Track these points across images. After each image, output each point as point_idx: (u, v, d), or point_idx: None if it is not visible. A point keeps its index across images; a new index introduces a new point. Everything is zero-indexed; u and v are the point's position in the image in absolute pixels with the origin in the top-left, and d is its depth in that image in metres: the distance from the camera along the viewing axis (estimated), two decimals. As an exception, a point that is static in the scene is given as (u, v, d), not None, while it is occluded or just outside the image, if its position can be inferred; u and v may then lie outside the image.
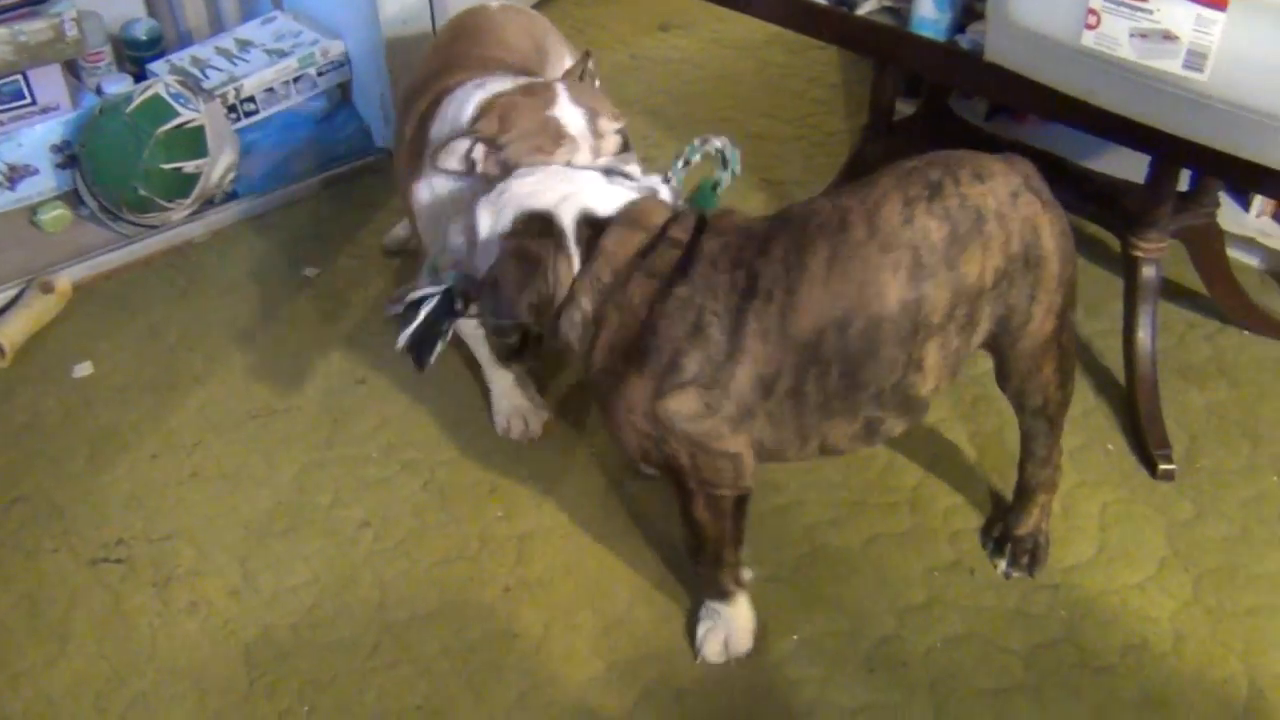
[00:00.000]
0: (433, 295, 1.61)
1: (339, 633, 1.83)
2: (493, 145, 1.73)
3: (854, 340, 1.49)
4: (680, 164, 1.75)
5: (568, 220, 1.54)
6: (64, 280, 2.47)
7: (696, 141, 1.78)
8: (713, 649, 1.77)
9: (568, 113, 1.72)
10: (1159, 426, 2.05)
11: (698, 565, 1.74)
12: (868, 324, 1.48)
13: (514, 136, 1.71)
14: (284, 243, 2.65)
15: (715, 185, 1.81)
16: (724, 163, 1.76)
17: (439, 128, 1.85)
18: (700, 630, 1.78)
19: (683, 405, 1.53)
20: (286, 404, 2.23)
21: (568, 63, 2.17)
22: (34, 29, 2.51)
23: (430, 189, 1.88)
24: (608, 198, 1.56)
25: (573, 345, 1.59)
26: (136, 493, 2.06)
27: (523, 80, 1.83)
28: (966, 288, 1.50)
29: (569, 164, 1.67)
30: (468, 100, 1.79)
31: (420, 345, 1.62)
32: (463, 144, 1.74)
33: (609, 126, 1.75)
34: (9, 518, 2.02)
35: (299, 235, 2.67)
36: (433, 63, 2.06)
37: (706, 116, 3.09)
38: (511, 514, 2.01)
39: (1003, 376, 1.70)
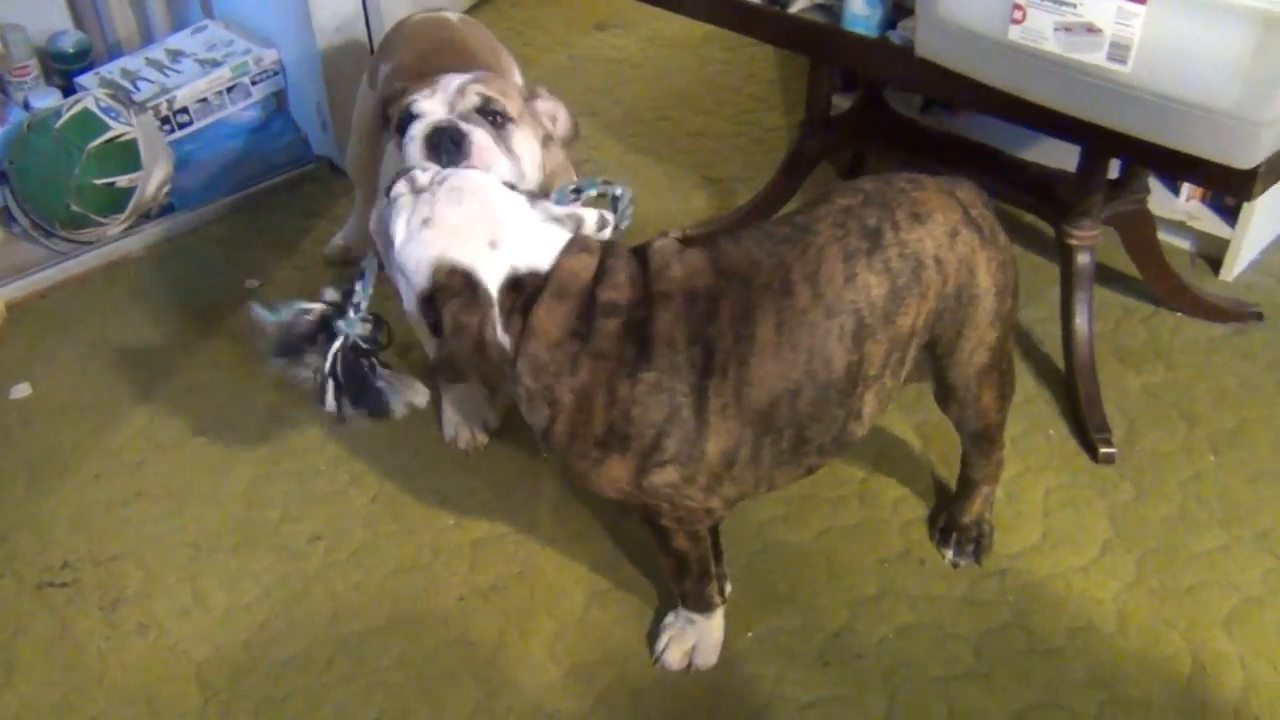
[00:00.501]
0: (327, 344, 1.60)
1: (292, 648, 1.82)
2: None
3: (803, 407, 1.48)
4: (570, 191, 1.68)
5: (493, 285, 1.45)
6: (-2, 300, 2.43)
7: (600, 180, 1.70)
8: (675, 656, 1.77)
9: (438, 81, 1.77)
10: (1098, 411, 2.09)
11: (682, 585, 1.72)
12: (816, 391, 1.47)
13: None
14: (224, 255, 2.62)
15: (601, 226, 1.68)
16: (614, 208, 1.65)
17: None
18: (664, 637, 1.78)
19: (665, 477, 1.51)
20: (231, 419, 2.20)
21: (515, 77, 2.15)
22: (-43, 45, 2.46)
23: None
24: (533, 249, 1.47)
25: (524, 415, 1.54)
26: (81, 514, 2.03)
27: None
28: (901, 337, 1.51)
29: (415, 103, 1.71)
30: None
31: (359, 398, 1.62)
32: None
33: (473, 88, 1.76)
34: (-51, 545, 1.98)
35: (239, 247, 2.64)
36: (412, 73, 1.96)
37: (646, 115, 3.10)
38: (463, 522, 2.00)
39: (941, 400, 1.71)
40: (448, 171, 1.55)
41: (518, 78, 2.15)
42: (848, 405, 1.52)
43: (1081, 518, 1.97)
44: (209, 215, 2.71)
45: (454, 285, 1.44)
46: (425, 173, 1.53)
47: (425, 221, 1.47)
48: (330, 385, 1.61)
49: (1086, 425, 2.08)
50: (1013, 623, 1.81)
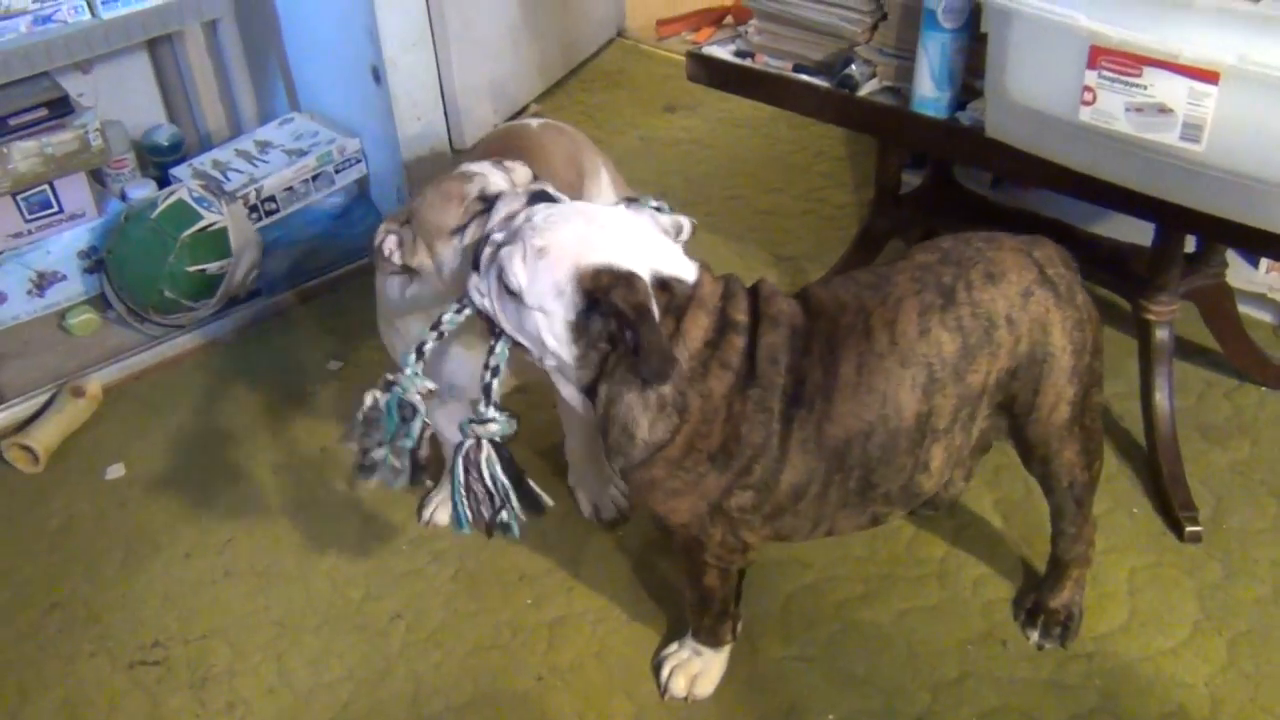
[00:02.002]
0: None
1: (375, 728, 1.84)
2: (403, 223, 1.70)
3: (873, 450, 1.53)
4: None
5: (646, 276, 1.46)
6: (94, 384, 2.52)
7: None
8: (680, 684, 1.83)
9: (472, 164, 1.71)
10: (1183, 488, 2.06)
11: (701, 620, 1.79)
12: (887, 436, 1.52)
13: (421, 203, 1.69)
14: (307, 337, 2.70)
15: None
16: None
17: None
18: (668, 665, 1.85)
19: (742, 501, 1.56)
20: (316, 498, 2.26)
21: (604, 176, 2.17)
22: (60, 140, 2.58)
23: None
24: (663, 255, 1.50)
25: (628, 428, 1.52)
26: (171, 593, 2.09)
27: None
28: (971, 394, 1.54)
29: (485, 185, 1.64)
30: None
31: (523, 500, 1.60)
32: (377, 235, 1.72)
33: (513, 162, 1.72)
34: (47, 623, 2.04)
35: (322, 329, 2.72)
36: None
37: (717, 194, 3.15)
38: (541, 601, 2.02)
39: (1024, 459, 1.72)
40: (528, 212, 1.53)
41: (605, 177, 2.17)
42: (916, 455, 1.55)
43: (1169, 598, 1.93)
44: (294, 299, 2.80)
45: (606, 282, 1.44)
46: (500, 232, 1.54)
47: (540, 251, 1.46)
48: (482, 492, 1.59)
49: (1171, 503, 2.05)
50: (1101, 707, 1.77)
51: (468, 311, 1.57)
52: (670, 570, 2.04)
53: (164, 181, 2.89)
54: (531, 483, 1.59)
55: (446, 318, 1.58)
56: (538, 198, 1.60)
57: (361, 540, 2.16)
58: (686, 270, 1.51)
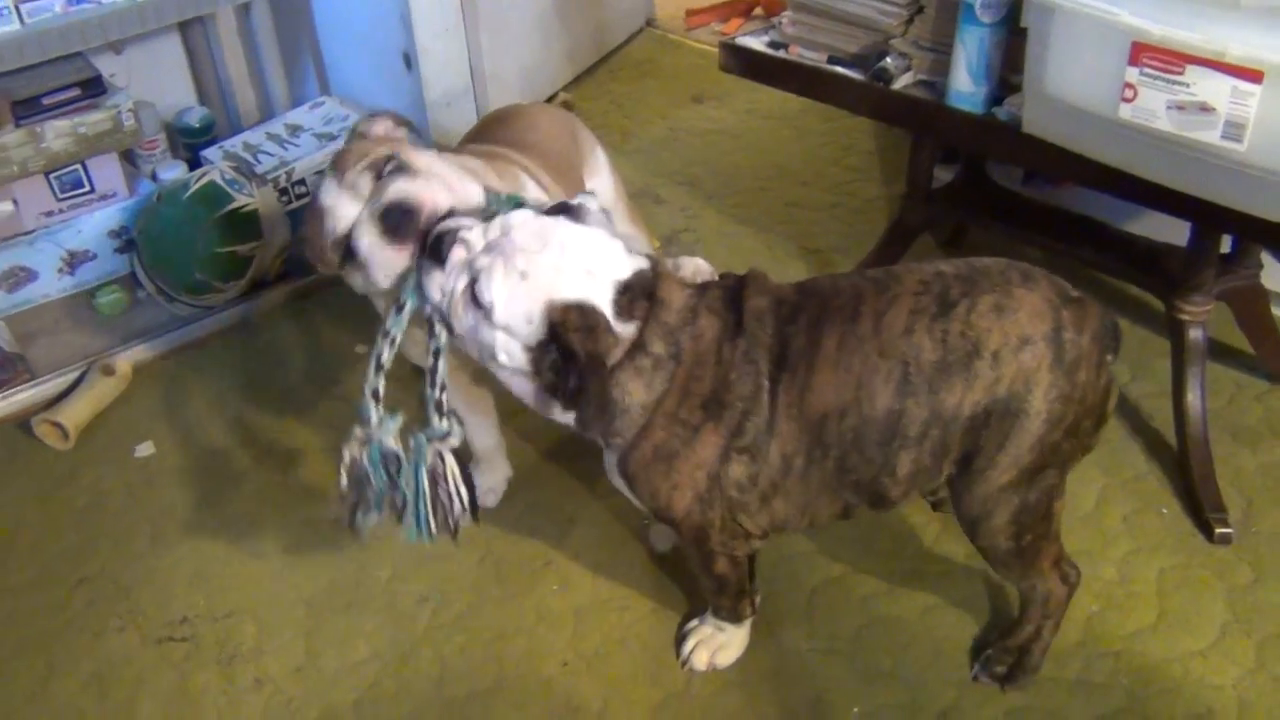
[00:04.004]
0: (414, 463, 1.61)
1: (400, 709, 1.85)
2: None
3: (846, 432, 1.54)
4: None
5: (606, 303, 1.51)
6: (124, 362, 2.54)
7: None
8: (703, 658, 1.86)
9: (324, 192, 1.72)
10: (1213, 489, 2.05)
11: (719, 600, 1.81)
12: (858, 420, 1.52)
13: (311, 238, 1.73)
14: (335, 320, 2.71)
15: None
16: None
17: None
18: (691, 640, 1.88)
19: (737, 472, 1.57)
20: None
21: (600, 156, 2.22)
22: (93, 120, 2.60)
23: None
24: (621, 260, 1.55)
25: (625, 403, 1.54)
26: (199, 571, 2.10)
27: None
28: (942, 414, 1.51)
29: (335, 228, 1.67)
30: None
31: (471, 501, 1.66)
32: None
33: (353, 175, 1.68)
34: (75, 598, 2.06)
35: (350, 313, 2.72)
36: (465, 149, 2.05)
37: (745, 186, 3.14)
38: (567, 587, 2.03)
39: (955, 505, 1.65)
40: (506, 221, 1.54)
41: (601, 159, 2.22)
42: (885, 453, 1.54)
43: (1198, 600, 1.92)
44: (323, 282, 2.81)
45: (572, 321, 1.48)
46: (473, 229, 1.55)
47: (523, 275, 1.49)
48: (449, 499, 1.65)
49: (1201, 504, 2.03)
50: (1127, 708, 1.77)
51: (395, 334, 1.61)
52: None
53: (194, 163, 2.90)
54: (465, 493, 1.66)
55: (384, 357, 1.62)
56: (388, 214, 1.61)
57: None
58: (641, 262, 1.56)
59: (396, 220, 1.62)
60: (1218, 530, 2.00)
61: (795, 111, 3.43)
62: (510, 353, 1.54)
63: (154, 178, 2.84)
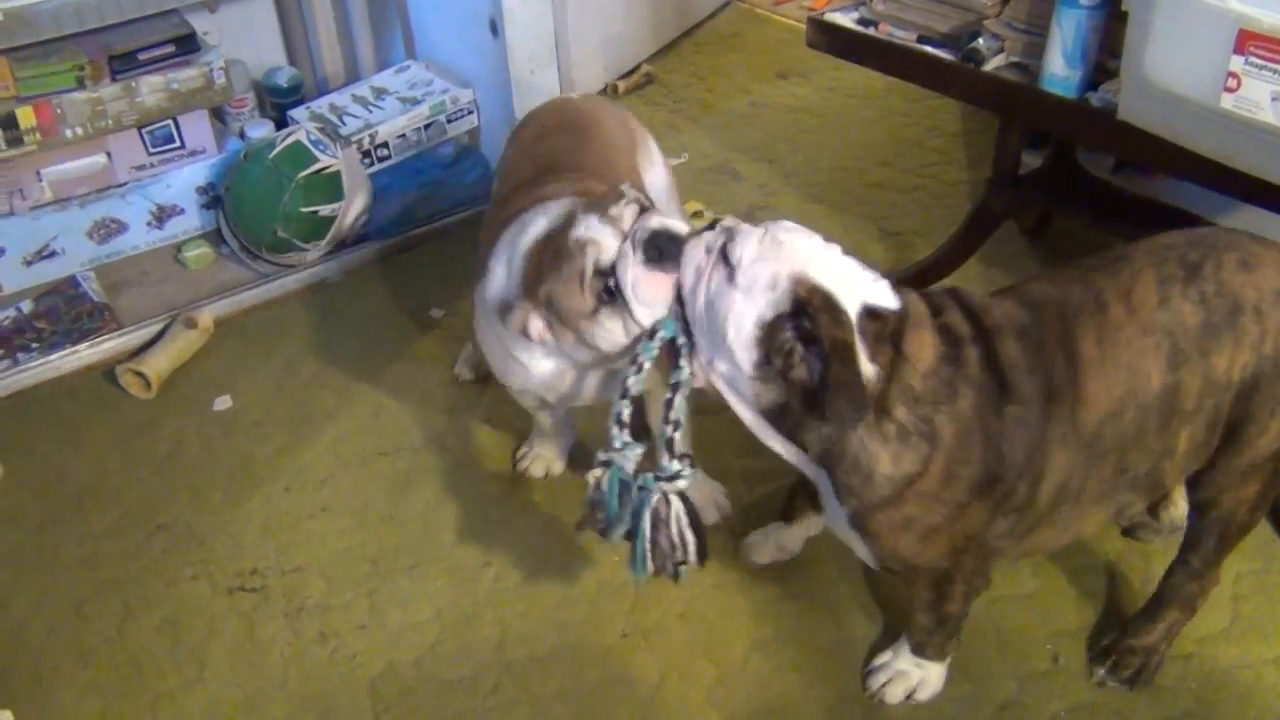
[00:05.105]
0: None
1: (460, 670, 1.87)
2: (539, 307, 1.62)
3: (1126, 428, 1.46)
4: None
5: (853, 312, 1.39)
6: (206, 316, 2.59)
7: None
8: (898, 693, 1.76)
9: (580, 225, 1.59)
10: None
11: (931, 638, 1.71)
12: (1136, 411, 1.45)
13: (550, 282, 1.60)
14: (412, 284, 2.74)
15: None
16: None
17: (499, 252, 1.77)
18: (883, 675, 1.77)
19: (1002, 527, 1.50)
20: (413, 442, 2.30)
21: (653, 148, 2.14)
22: (185, 77, 2.65)
23: (483, 296, 1.80)
24: (870, 287, 1.42)
25: (866, 467, 1.44)
26: (270, 524, 2.14)
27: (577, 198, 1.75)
28: (1215, 379, 1.45)
29: (598, 259, 1.55)
30: (526, 233, 1.71)
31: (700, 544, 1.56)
32: (517, 319, 1.64)
33: (618, 209, 1.58)
34: (152, 544, 2.11)
35: (426, 277, 2.76)
36: (528, 160, 1.99)
37: (825, 164, 3.11)
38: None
39: (1199, 478, 1.59)
40: (765, 225, 1.48)
41: (654, 151, 2.15)
42: (1164, 437, 1.47)
43: (1275, 607, 1.87)
44: (400, 245, 2.84)
45: (817, 302, 1.37)
46: (740, 231, 1.46)
47: (778, 243, 1.42)
48: (669, 546, 1.56)
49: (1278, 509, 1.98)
50: (1194, 712, 1.73)
51: (644, 360, 1.52)
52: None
53: (281, 122, 2.94)
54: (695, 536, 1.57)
55: (631, 382, 1.54)
56: (653, 240, 1.53)
57: (456, 486, 2.20)
58: (890, 299, 1.43)
59: (662, 246, 1.53)
60: (1299, 537, 1.94)
61: (880, 90, 3.38)
62: (741, 330, 1.41)
63: (242, 136, 2.89)
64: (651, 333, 1.53)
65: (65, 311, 2.61)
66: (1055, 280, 1.53)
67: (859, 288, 1.41)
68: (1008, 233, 2.66)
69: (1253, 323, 1.44)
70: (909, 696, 1.76)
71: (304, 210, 2.62)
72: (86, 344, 2.54)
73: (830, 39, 2.35)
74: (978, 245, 2.54)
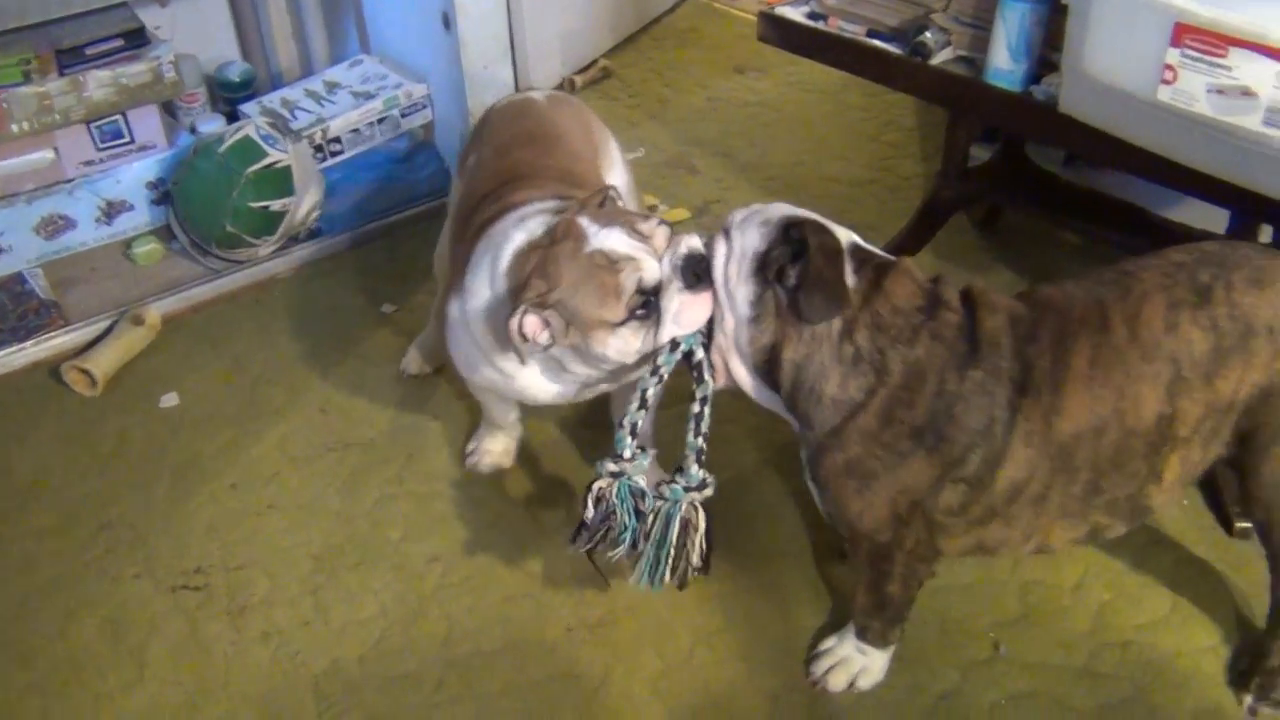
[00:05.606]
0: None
1: (405, 666, 1.86)
2: (545, 306, 1.59)
3: (1105, 450, 1.46)
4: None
5: (843, 238, 1.52)
6: (154, 313, 2.57)
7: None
8: (839, 680, 1.76)
9: (606, 239, 1.58)
10: (1235, 484, 2.00)
11: (872, 621, 1.72)
12: (1121, 435, 1.45)
13: (567, 289, 1.58)
14: (364, 280, 2.72)
15: None
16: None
17: (479, 256, 1.74)
18: (826, 661, 1.78)
19: (950, 499, 1.51)
20: (362, 438, 2.28)
21: (614, 149, 2.14)
22: (134, 72, 2.62)
23: (461, 307, 1.77)
24: (864, 242, 1.57)
25: (819, 388, 1.50)
26: (215, 522, 2.13)
27: (550, 206, 1.75)
28: (1219, 402, 1.45)
29: (641, 277, 1.56)
30: (505, 245, 1.69)
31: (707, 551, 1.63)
32: (514, 325, 1.59)
33: (648, 226, 1.61)
34: (95, 543, 2.09)
35: (378, 273, 2.74)
36: (493, 168, 1.95)
37: (781, 159, 3.11)
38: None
39: (1245, 499, 1.59)
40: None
41: (615, 152, 2.14)
42: (1151, 462, 1.47)
43: (1214, 594, 1.88)
44: (352, 241, 2.83)
45: (808, 224, 1.50)
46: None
47: (764, 207, 1.57)
48: (691, 551, 1.62)
49: (1222, 497, 1.99)
50: (1134, 698, 1.74)
51: (665, 371, 1.58)
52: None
53: (234, 117, 2.92)
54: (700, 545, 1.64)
55: (651, 392, 1.59)
56: (689, 264, 1.57)
57: (404, 482, 2.19)
58: (890, 257, 1.54)
59: (698, 270, 1.57)
60: (1238, 524, 1.96)
61: (837, 86, 3.38)
62: (741, 271, 1.52)
63: (193, 131, 2.86)
64: (673, 345, 1.58)
65: (12, 309, 2.58)
66: (1064, 288, 1.53)
67: (849, 234, 1.55)
68: (961, 225, 2.67)
69: (1265, 343, 1.43)
70: (851, 684, 1.76)
71: (254, 205, 2.60)
72: (33, 341, 2.52)
73: (781, 33, 2.35)
74: (929, 237, 2.56)
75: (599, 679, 1.83)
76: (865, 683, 1.76)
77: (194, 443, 2.30)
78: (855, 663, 1.76)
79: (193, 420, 2.35)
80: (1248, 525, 1.95)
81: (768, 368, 1.55)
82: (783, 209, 1.56)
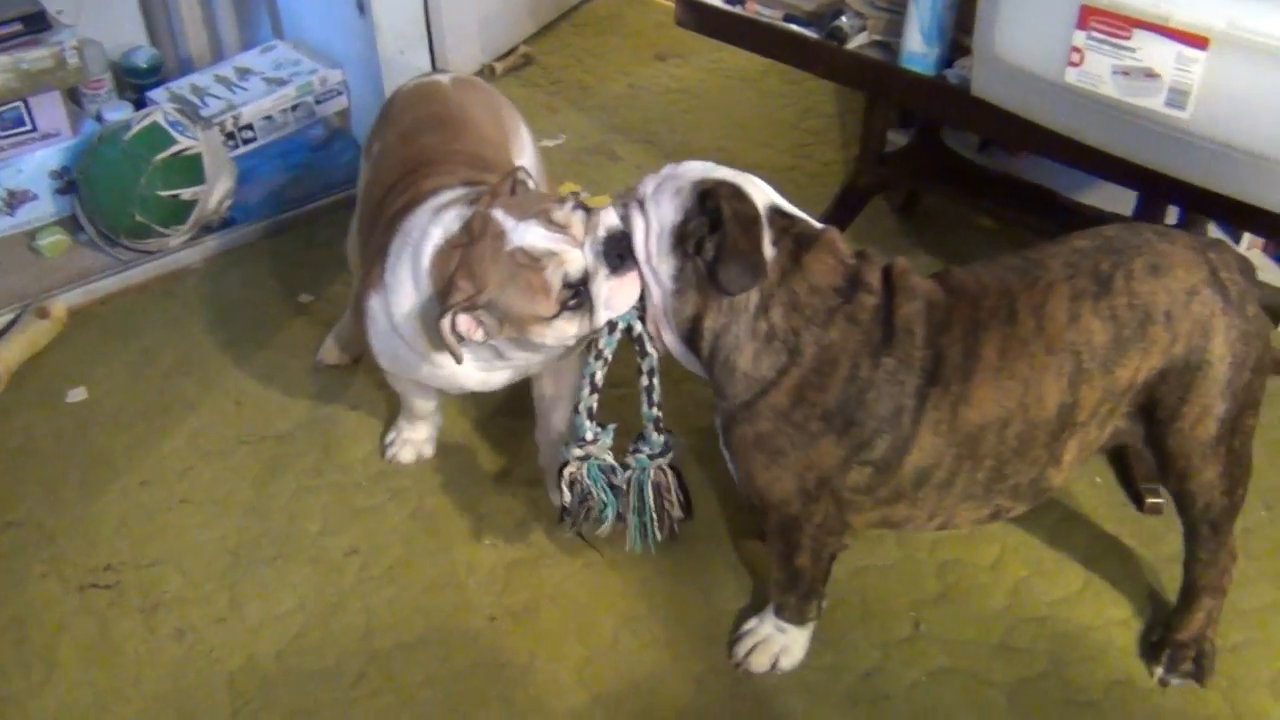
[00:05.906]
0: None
1: (324, 661, 1.83)
2: (475, 307, 1.57)
3: (1009, 439, 1.48)
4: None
5: (760, 203, 1.50)
6: (60, 305, 2.49)
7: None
8: (762, 660, 1.77)
9: (525, 236, 1.55)
10: (1146, 460, 2.03)
11: (787, 597, 1.73)
12: (1025, 425, 1.47)
13: (495, 290, 1.56)
14: (279, 269, 2.67)
15: None
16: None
17: (396, 252, 1.70)
18: (748, 642, 1.79)
19: (858, 479, 1.52)
20: (277, 430, 2.24)
21: (523, 132, 2.11)
22: (35, 57, 2.53)
23: (384, 304, 1.73)
24: (785, 202, 1.55)
25: (733, 360, 1.51)
26: (126, 519, 2.07)
27: (461, 195, 1.71)
28: (1117, 388, 1.48)
29: (566, 272, 1.54)
30: (424, 243, 1.65)
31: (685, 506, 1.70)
32: (445, 326, 1.57)
33: (563, 214, 1.57)
34: (1, 542, 2.02)
35: (294, 262, 2.69)
36: (399, 155, 1.91)
37: (703, 145, 3.11)
38: (498, 543, 2.01)
39: (1160, 471, 1.62)
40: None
41: (525, 134, 2.12)
42: (1052, 449, 1.50)
43: (1126, 568, 1.92)
44: (267, 230, 2.76)
45: (722, 190, 1.47)
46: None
47: (674, 170, 1.55)
48: (670, 507, 1.68)
49: (1133, 474, 2.04)
50: (1049, 672, 1.77)
51: (608, 353, 1.59)
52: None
53: (141, 104, 2.84)
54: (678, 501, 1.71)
55: (599, 375, 1.61)
56: (611, 246, 1.55)
57: (321, 473, 2.15)
58: (806, 217, 1.52)
59: (620, 250, 1.54)
60: (1149, 500, 2.00)
61: (758, 72, 3.39)
62: (661, 246, 1.50)
63: (99, 118, 2.78)
64: (611, 326, 1.58)
65: (-92, 303, 2.49)
66: (978, 274, 1.54)
67: (769, 193, 1.53)
68: (880, 209, 2.70)
69: (1163, 330, 1.46)
70: (774, 665, 1.77)
71: (163, 194, 2.53)
72: (-69, 336, 2.43)
73: (698, 17, 2.35)
74: (848, 222, 2.57)
75: (523, 668, 1.81)
76: (787, 662, 1.77)
77: (103, 438, 2.23)
78: (776, 642, 1.77)
79: (101, 415, 2.28)
80: (1158, 501, 2.00)
81: (691, 337, 1.55)
82: (696, 171, 1.54)
